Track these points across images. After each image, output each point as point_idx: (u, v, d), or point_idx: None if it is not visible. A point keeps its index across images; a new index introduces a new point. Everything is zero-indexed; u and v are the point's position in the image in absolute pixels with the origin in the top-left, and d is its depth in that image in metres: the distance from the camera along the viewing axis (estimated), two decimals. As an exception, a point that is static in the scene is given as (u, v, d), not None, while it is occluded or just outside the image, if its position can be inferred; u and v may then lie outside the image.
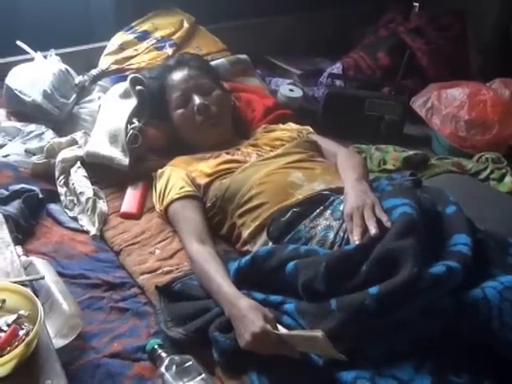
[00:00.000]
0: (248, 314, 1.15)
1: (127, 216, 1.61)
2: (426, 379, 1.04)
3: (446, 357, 1.08)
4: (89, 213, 1.59)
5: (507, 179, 1.77)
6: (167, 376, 1.12)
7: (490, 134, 1.88)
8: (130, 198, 1.66)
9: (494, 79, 2.12)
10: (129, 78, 1.79)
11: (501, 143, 1.92)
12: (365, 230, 1.23)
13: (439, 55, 2.33)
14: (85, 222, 1.59)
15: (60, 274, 1.36)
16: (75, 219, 1.61)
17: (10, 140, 1.80)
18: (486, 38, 2.68)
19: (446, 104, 1.95)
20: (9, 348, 1.01)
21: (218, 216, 1.51)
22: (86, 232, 1.57)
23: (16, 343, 1.02)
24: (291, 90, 2.18)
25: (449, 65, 2.34)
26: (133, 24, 2.19)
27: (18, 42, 1.94)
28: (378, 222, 1.23)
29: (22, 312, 1.09)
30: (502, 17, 2.72)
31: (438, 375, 1.04)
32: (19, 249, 1.41)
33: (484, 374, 1.06)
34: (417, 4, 2.82)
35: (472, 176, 1.81)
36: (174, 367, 1.13)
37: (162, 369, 1.14)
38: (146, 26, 2.19)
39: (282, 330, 1.15)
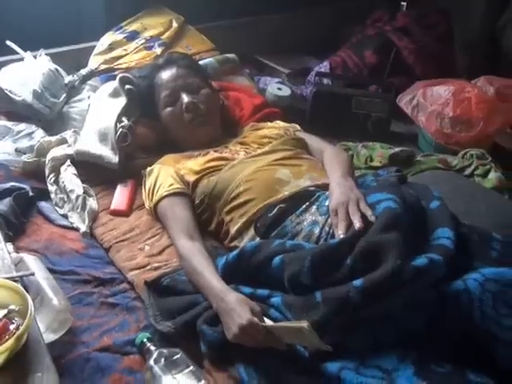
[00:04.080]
0: (235, 307, 1.17)
1: (117, 213, 1.63)
2: (409, 368, 1.05)
3: (429, 347, 1.10)
4: (79, 210, 1.61)
5: (491, 175, 1.79)
6: (156, 368, 1.14)
7: (475, 131, 1.90)
8: (120, 196, 1.67)
9: (479, 77, 2.14)
10: (118, 77, 1.81)
11: (485, 140, 1.94)
12: (349, 224, 1.25)
13: (425, 54, 2.36)
14: (75, 219, 1.60)
15: (50, 271, 1.37)
16: (65, 217, 1.62)
17: None
18: (473, 37, 2.71)
19: (432, 101, 1.97)
20: (-1, 342, 1.03)
21: (206, 213, 1.53)
22: (76, 229, 1.58)
23: (6, 337, 1.03)
24: (279, 89, 2.20)
25: (435, 63, 2.37)
26: (122, 24, 2.20)
27: (8, 42, 1.95)
28: (363, 216, 1.25)
29: (12, 307, 1.11)
30: (488, 16, 2.75)
31: (421, 364, 1.06)
32: (10, 246, 1.42)
33: (466, 364, 1.07)
34: (404, 3, 2.86)
35: (457, 172, 1.83)
36: (163, 360, 1.15)
37: (151, 362, 1.15)
38: (135, 26, 2.20)
39: (268, 322, 1.17)
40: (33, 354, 1.07)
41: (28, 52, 2.00)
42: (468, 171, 1.83)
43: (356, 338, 1.14)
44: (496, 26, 2.72)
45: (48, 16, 2.12)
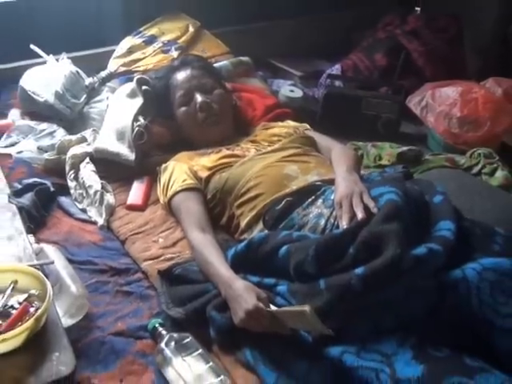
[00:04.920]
0: (242, 294, 1.22)
1: (133, 208, 1.69)
2: (407, 353, 1.08)
3: (427, 333, 1.13)
4: (97, 205, 1.67)
5: (498, 173, 1.81)
6: (167, 351, 1.20)
7: (482, 131, 1.93)
8: (136, 191, 1.74)
9: (488, 78, 2.17)
10: (135, 79, 1.88)
11: (493, 139, 1.97)
12: (353, 215, 1.30)
13: (435, 56, 2.39)
14: (93, 213, 1.67)
15: (69, 261, 1.43)
16: (84, 211, 1.69)
17: (23, 138, 1.89)
18: (485, 41, 2.73)
19: (440, 102, 2.01)
20: (20, 323, 1.09)
21: (218, 207, 1.58)
22: (94, 223, 1.65)
23: (27, 318, 1.10)
24: (291, 91, 2.26)
25: (445, 66, 2.39)
26: (141, 29, 2.29)
27: (32, 46, 2.02)
28: (366, 208, 1.29)
29: (32, 291, 1.18)
30: (501, 20, 2.76)
31: (419, 349, 1.09)
32: (31, 237, 1.48)
33: (464, 349, 1.09)
34: (418, 8, 2.89)
35: (465, 171, 1.86)
36: (173, 343, 1.21)
37: (162, 344, 1.21)
38: (153, 31, 2.28)
39: (273, 308, 1.22)
40: (51, 335, 1.13)
41: (51, 55, 2.08)
42: (475, 170, 1.86)
43: (357, 324, 1.17)
44: (508, 30, 2.74)
45: (70, 22, 2.20)
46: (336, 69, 2.38)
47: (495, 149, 1.95)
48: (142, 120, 1.80)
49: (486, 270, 1.14)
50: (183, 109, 1.77)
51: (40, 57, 2.07)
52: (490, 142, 1.96)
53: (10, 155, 1.83)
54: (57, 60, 2.08)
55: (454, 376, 1.01)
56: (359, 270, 1.14)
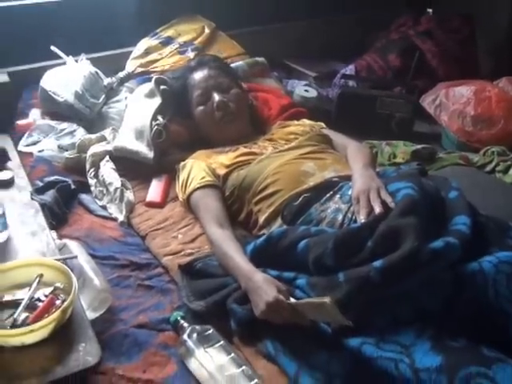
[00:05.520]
0: (262, 286, 1.24)
1: (152, 205, 1.72)
2: (425, 344, 1.10)
3: (445, 325, 1.14)
4: (117, 202, 1.70)
5: (512, 171, 1.84)
6: (189, 342, 1.22)
7: (496, 129, 1.96)
8: (155, 189, 1.77)
9: (502, 78, 2.19)
10: (153, 79, 1.92)
11: (506, 137, 1.99)
12: (371, 210, 1.32)
13: (448, 57, 2.42)
14: (113, 210, 1.70)
15: (91, 256, 1.47)
16: (104, 208, 1.72)
17: (44, 137, 1.92)
18: (498, 41, 2.76)
19: (454, 101, 2.03)
20: (47, 315, 1.13)
21: (236, 204, 1.61)
22: (114, 219, 1.68)
23: (53, 310, 1.14)
24: (306, 91, 2.29)
25: (457, 66, 2.42)
26: (157, 30, 2.32)
27: (52, 47, 2.06)
28: (383, 203, 1.32)
29: (57, 284, 1.22)
30: (512, 19, 2.79)
31: (437, 340, 1.10)
32: (54, 233, 1.52)
33: (481, 341, 1.11)
34: (430, 10, 2.91)
35: (478, 169, 1.88)
36: (196, 335, 1.23)
37: (185, 336, 1.24)
38: (169, 32, 2.32)
39: (293, 301, 1.24)
40: (77, 326, 1.16)
41: (70, 56, 2.11)
42: (489, 168, 1.88)
43: (376, 316, 1.19)
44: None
45: (88, 24, 2.24)
46: (350, 69, 2.41)
47: (509, 147, 1.97)
48: (160, 119, 1.83)
49: (501, 262, 1.16)
50: (201, 108, 1.81)
51: (60, 58, 2.11)
52: (504, 140, 1.98)
53: (31, 154, 1.87)
54: (76, 61, 2.12)
55: (472, 366, 1.02)
56: (377, 263, 1.16)
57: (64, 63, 2.12)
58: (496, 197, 1.64)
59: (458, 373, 1.02)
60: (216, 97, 1.77)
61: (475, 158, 1.90)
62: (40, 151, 1.86)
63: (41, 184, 1.71)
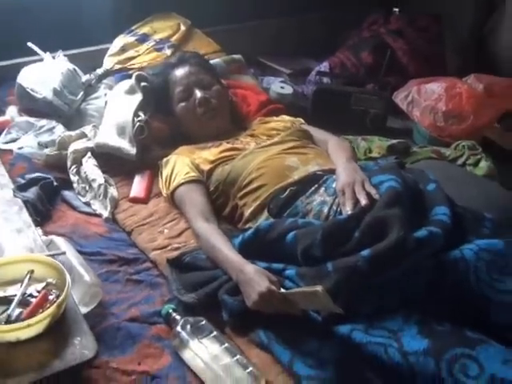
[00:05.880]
0: (254, 277, 1.27)
1: (136, 200, 1.73)
2: (413, 328, 1.14)
3: (430, 310, 1.19)
4: (101, 198, 1.71)
5: (482, 164, 1.89)
6: (183, 334, 1.24)
7: (466, 124, 2.03)
8: (138, 185, 1.77)
9: (470, 75, 2.27)
10: (134, 76, 1.92)
11: (475, 132, 2.06)
12: (356, 202, 1.37)
13: (418, 54, 2.48)
14: (97, 206, 1.70)
15: (78, 252, 1.46)
16: (88, 204, 1.72)
17: (23, 134, 1.91)
18: (463, 39, 2.84)
19: (425, 97, 2.10)
20: (41, 310, 1.13)
21: (220, 198, 1.63)
22: (98, 215, 1.68)
23: (48, 305, 1.14)
24: (282, 88, 2.32)
25: (427, 63, 2.49)
26: (133, 27, 2.32)
27: (29, 44, 2.04)
28: (368, 195, 1.36)
29: (49, 280, 1.22)
30: (477, 19, 2.87)
31: (423, 324, 1.15)
32: (39, 230, 1.52)
33: (464, 324, 1.16)
34: (396, 9, 2.98)
35: (450, 162, 1.95)
36: (189, 326, 1.25)
37: (178, 328, 1.25)
38: (145, 29, 2.32)
39: (285, 291, 1.27)
40: (71, 321, 1.17)
41: (47, 53, 2.10)
42: (460, 161, 1.93)
43: (364, 304, 1.23)
44: (484, 30, 2.86)
45: (65, 20, 2.23)
46: (324, 66, 2.45)
47: (477, 142, 2.04)
48: (142, 115, 1.83)
49: (481, 250, 1.21)
50: (182, 104, 1.82)
51: (36, 54, 2.09)
52: (473, 135, 2.04)
53: (9, 151, 1.86)
54: (53, 57, 2.10)
55: (457, 347, 1.07)
56: (365, 252, 1.20)
57: (41, 60, 2.10)
58: (469, 188, 1.69)
59: (445, 354, 1.07)
60: (198, 93, 1.79)
61: (447, 152, 1.97)
62: (20, 148, 1.85)
63: (23, 181, 1.70)
